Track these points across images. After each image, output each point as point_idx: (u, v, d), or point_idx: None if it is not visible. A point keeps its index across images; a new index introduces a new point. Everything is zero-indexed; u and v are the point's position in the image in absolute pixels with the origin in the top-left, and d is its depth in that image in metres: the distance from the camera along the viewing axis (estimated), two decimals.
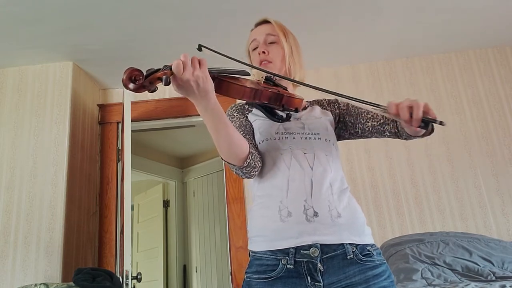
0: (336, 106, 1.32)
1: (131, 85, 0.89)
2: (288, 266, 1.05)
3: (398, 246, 2.39)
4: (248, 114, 1.30)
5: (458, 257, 2.23)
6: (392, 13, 2.52)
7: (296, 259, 1.05)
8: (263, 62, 1.27)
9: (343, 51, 2.98)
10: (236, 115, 1.29)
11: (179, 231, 4.79)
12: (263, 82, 1.23)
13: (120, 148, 2.95)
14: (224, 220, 3.13)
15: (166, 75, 0.90)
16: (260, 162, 1.14)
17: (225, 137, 1.02)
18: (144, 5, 2.26)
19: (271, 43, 1.30)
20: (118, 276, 2.24)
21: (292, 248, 1.05)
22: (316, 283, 1.03)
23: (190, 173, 5.06)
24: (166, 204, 4.88)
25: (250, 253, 1.15)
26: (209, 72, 0.97)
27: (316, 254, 1.04)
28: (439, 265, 2.18)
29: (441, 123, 0.90)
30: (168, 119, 3.10)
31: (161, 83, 0.91)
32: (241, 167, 1.08)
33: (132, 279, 2.25)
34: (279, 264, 1.06)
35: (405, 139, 1.14)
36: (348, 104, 1.30)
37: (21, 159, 2.62)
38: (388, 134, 1.19)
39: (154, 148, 4.76)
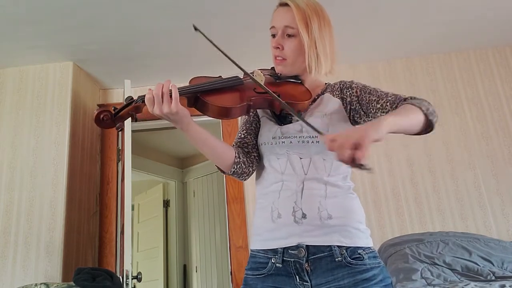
0: (348, 93, 1.20)
1: (102, 124, 1.06)
2: (277, 264, 1.09)
3: (397, 246, 2.39)
4: None
5: (457, 257, 2.23)
6: (392, 13, 2.52)
7: (284, 258, 1.08)
8: (277, 58, 1.22)
9: (343, 51, 2.97)
10: None
11: (179, 231, 4.79)
12: (267, 78, 1.20)
13: (120, 148, 2.95)
14: (224, 220, 3.13)
15: (137, 108, 1.07)
16: (251, 167, 1.22)
17: (207, 151, 1.16)
18: (144, 5, 2.26)
19: (289, 35, 1.19)
20: (118, 276, 2.24)
21: (281, 248, 1.09)
22: (304, 283, 1.06)
23: (190, 173, 5.06)
24: (166, 204, 4.88)
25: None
26: (193, 90, 1.09)
27: (302, 255, 1.06)
28: (438, 265, 2.18)
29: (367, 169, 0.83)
30: None
31: (130, 117, 1.09)
32: (228, 174, 1.22)
33: (132, 279, 2.25)
34: (269, 262, 1.10)
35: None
36: (361, 90, 1.20)
37: (21, 159, 2.62)
38: None
39: (154, 148, 4.76)
